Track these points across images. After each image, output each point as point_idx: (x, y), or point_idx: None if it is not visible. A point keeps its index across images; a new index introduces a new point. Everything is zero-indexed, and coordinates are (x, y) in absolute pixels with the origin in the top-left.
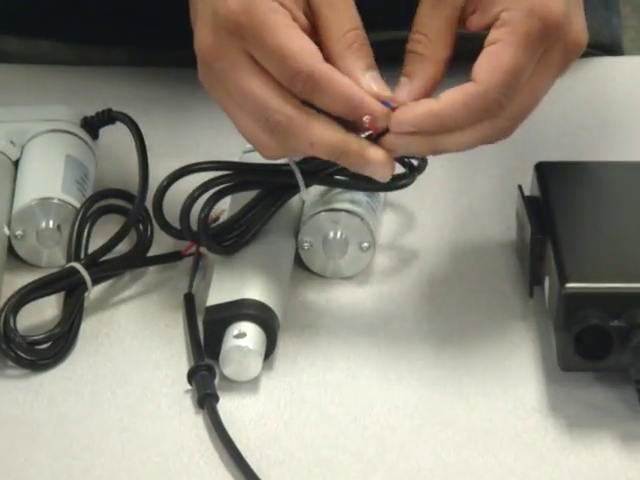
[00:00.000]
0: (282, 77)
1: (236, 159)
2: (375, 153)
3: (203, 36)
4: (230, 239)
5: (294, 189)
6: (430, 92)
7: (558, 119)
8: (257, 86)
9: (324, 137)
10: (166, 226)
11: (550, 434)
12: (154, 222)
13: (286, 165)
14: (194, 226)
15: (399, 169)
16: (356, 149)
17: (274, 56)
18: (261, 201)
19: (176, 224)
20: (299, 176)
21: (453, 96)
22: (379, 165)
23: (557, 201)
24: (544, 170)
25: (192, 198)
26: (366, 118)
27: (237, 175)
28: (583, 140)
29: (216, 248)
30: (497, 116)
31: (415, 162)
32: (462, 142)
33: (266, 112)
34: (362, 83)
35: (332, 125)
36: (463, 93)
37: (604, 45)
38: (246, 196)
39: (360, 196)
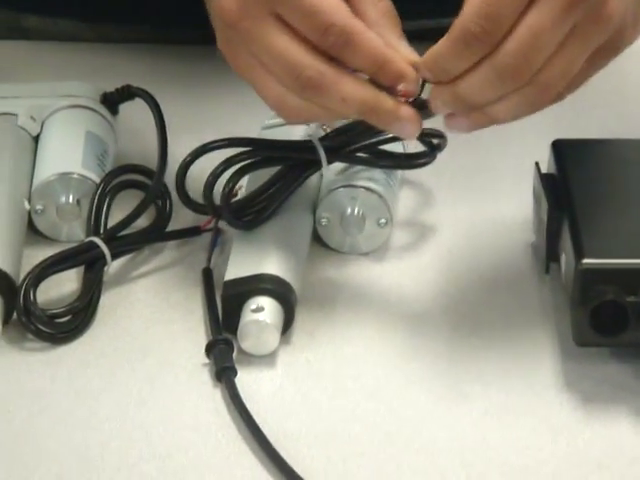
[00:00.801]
0: (313, 32)
1: (254, 135)
2: (405, 109)
3: None
4: (250, 214)
5: (316, 166)
6: None
7: (575, 96)
8: (286, 44)
9: (356, 92)
10: (188, 201)
11: (565, 409)
12: (173, 197)
13: (309, 142)
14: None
15: (419, 148)
16: (386, 105)
17: (305, 11)
18: (282, 177)
19: (194, 199)
20: (322, 152)
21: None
22: (408, 121)
23: (574, 178)
24: (561, 147)
25: (216, 174)
26: (402, 86)
27: (260, 151)
28: (600, 118)
29: (237, 223)
30: (491, 51)
31: (435, 141)
32: (475, 90)
33: (297, 69)
34: (399, 48)
35: (363, 81)
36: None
37: None
38: (265, 172)
39: (378, 173)
